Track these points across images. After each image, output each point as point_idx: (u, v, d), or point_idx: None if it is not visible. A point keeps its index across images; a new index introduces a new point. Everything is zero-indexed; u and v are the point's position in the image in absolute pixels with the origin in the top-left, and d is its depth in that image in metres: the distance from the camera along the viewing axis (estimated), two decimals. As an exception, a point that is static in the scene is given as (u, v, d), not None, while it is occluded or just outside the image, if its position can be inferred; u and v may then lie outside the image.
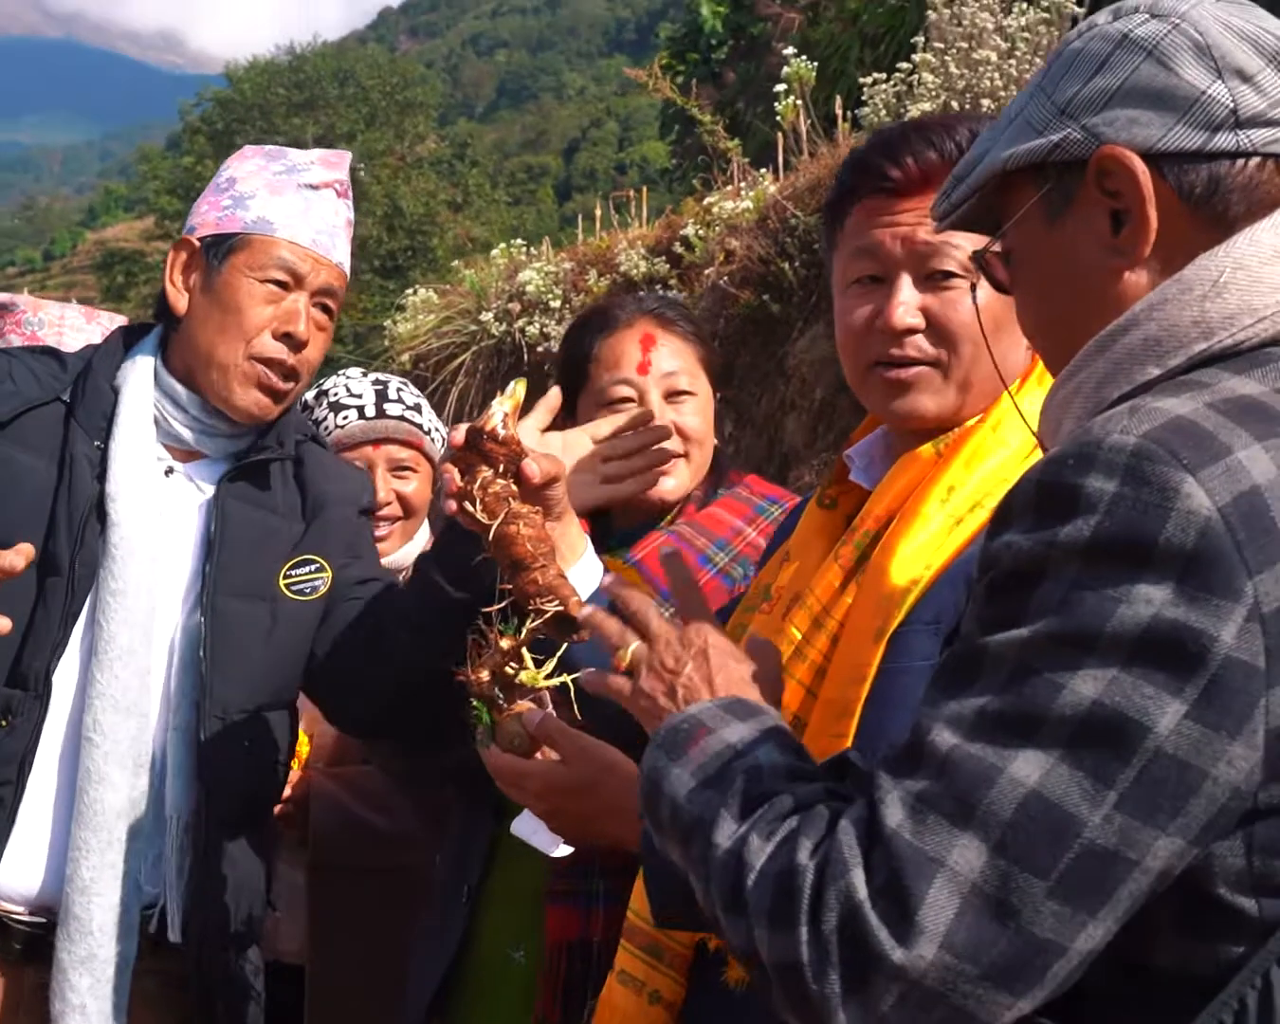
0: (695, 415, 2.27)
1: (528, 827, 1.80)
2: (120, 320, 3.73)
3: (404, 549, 2.83)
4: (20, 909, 2.11)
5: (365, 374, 2.88)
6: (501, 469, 1.75)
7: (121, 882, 2.09)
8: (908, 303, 1.63)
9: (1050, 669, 1.03)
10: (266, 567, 2.26)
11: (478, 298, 8.42)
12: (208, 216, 2.27)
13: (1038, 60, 5.59)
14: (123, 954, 2.09)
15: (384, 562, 2.78)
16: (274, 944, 2.70)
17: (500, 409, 1.77)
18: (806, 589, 1.65)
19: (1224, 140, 1.17)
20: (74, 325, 3.55)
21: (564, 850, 1.81)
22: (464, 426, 1.78)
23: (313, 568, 2.28)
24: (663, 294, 2.63)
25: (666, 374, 2.24)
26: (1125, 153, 1.18)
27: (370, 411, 2.78)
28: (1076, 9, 5.66)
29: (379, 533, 2.76)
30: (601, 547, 2.26)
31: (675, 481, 2.25)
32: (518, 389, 1.82)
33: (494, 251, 8.79)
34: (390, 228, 41.69)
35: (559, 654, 1.71)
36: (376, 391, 2.81)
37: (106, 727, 2.08)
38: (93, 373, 2.25)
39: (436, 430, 2.87)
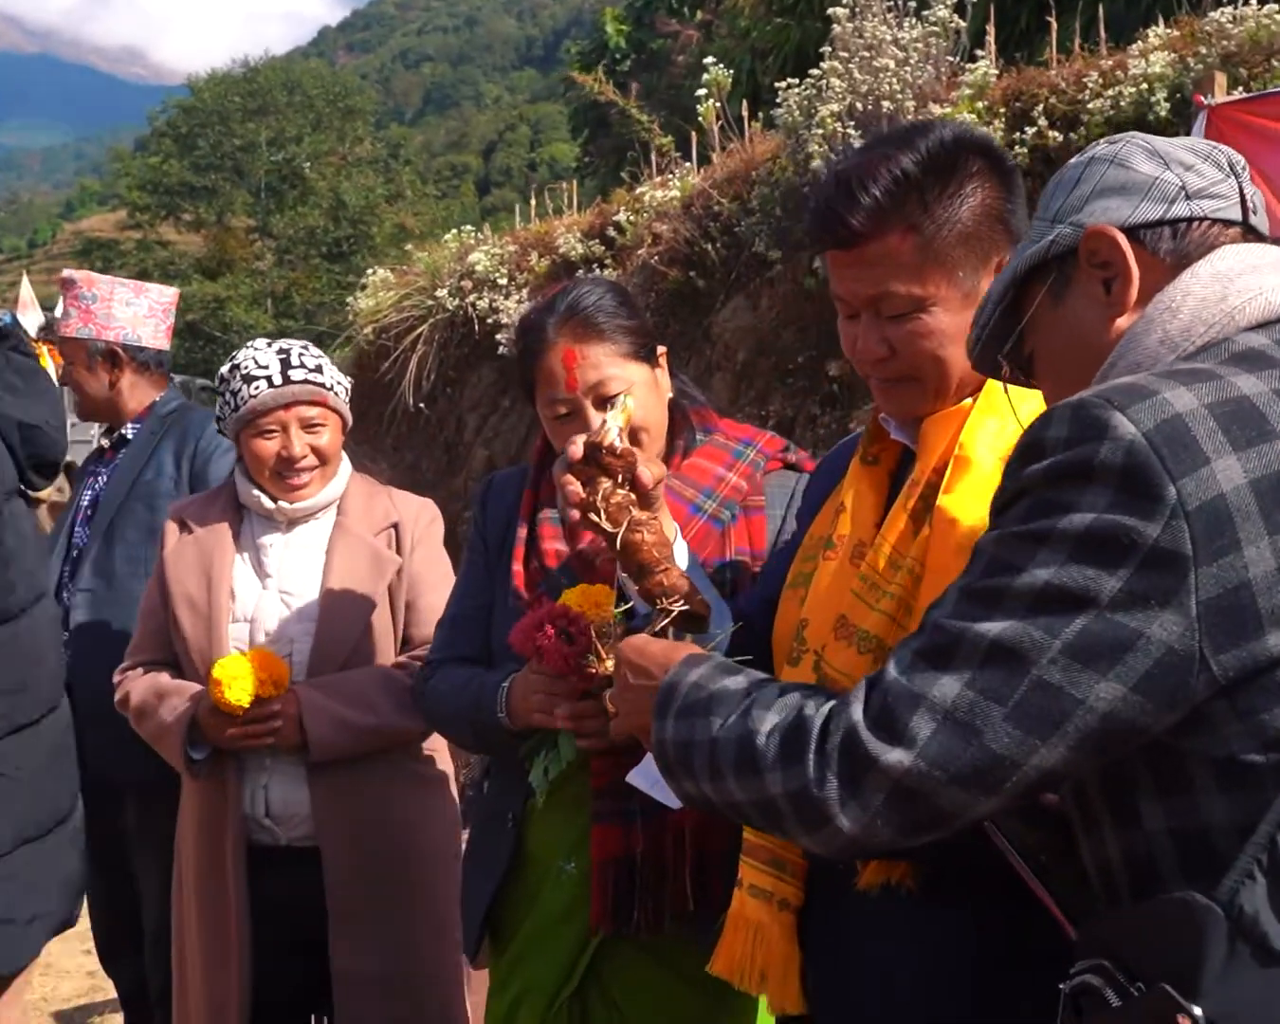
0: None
1: (647, 779, 1.63)
2: (169, 293, 3.51)
3: (326, 490, 2.77)
4: None
5: (270, 344, 2.75)
6: (620, 479, 1.65)
7: None
8: (870, 341, 1.62)
9: (1014, 558, 1.14)
10: None
11: (432, 277, 8.17)
12: None
13: (929, 68, 5.46)
14: None
15: (306, 503, 2.74)
16: (289, 831, 2.67)
17: (614, 423, 1.67)
18: (879, 536, 1.60)
19: (1179, 209, 1.30)
20: (123, 299, 3.41)
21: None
22: (581, 440, 1.67)
23: None
24: (584, 279, 2.36)
25: (593, 385, 2.06)
26: (1106, 226, 1.30)
27: (278, 380, 2.67)
28: (961, 23, 5.53)
29: (301, 481, 2.71)
30: None
31: None
32: (628, 402, 1.72)
33: (446, 236, 8.51)
34: (335, 218, 40.99)
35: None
36: (281, 360, 2.69)
37: None
38: None
39: (339, 383, 2.77)
